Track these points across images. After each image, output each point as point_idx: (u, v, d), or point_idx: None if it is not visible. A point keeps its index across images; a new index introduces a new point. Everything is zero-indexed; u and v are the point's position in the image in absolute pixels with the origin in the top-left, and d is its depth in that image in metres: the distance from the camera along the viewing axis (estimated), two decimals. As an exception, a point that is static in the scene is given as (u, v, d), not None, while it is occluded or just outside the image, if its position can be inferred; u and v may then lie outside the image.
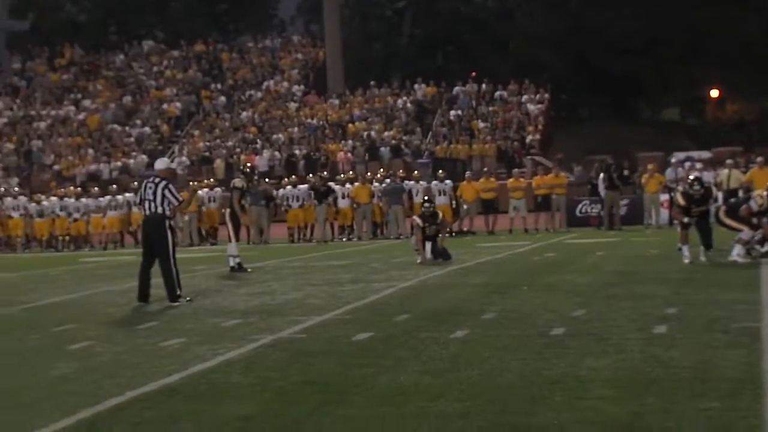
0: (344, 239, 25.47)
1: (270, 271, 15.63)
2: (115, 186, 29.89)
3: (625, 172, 27.54)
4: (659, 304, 9.34)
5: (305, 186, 26.50)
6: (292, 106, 42.90)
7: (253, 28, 58.57)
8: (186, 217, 25.74)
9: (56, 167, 40.21)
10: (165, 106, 44.70)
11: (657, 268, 13.07)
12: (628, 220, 24.89)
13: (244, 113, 42.93)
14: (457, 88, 41.48)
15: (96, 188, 30.85)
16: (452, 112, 39.47)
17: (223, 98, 45.17)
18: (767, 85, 47.08)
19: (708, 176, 22.28)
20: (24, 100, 47.85)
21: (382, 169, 29.55)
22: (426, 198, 17.38)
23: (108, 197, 27.84)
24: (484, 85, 41.28)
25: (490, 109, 39.36)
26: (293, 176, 30.19)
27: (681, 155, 31.73)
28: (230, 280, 14.32)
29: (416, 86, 42.25)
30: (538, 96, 40.04)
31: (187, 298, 11.27)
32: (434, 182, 25.47)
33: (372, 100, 42.03)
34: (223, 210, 19.73)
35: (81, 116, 44.84)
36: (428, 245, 15.71)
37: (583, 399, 5.54)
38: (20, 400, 6.28)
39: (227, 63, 49.19)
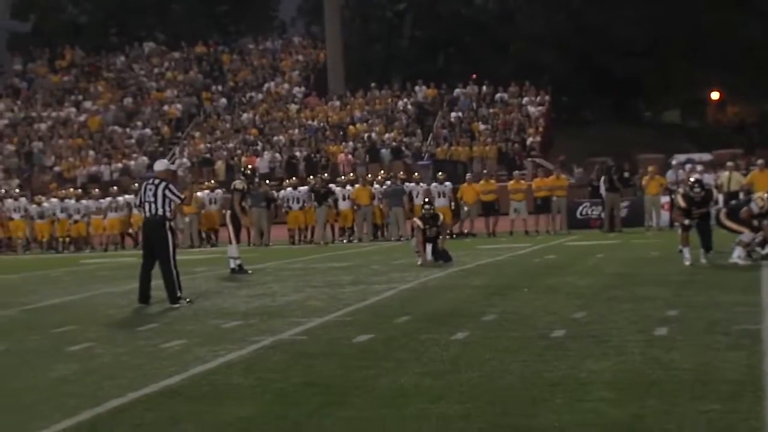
0: (345, 241, 25.45)
1: (270, 273, 15.62)
2: (115, 187, 29.81)
3: (626, 174, 27.53)
4: (660, 306, 9.34)
5: (305, 187, 26.47)
6: (293, 107, 42.90)
7: (254, 30, 58.56)
8: (186, 219, 25.74)
9: (57, 169, 40.23)
10: (166, 107, 44.73)
11: (657, 271, 13.07)
12: (629, 222, 24.82)
13: (245, 115, 42.93)
14: (457, 90, 41.48)
15: (97, 190, 30.82)
16: (453, 114, 39.45)
17: (223, 100, 45.19)
18: (768, 87, 47.17)
19: (708, 178, 22.25)
20: (25, 102, 47.88)
21: (382, 171, 29.48)
22: (426, 200, 17.38)
23: (109, 199, 27.79)
24: (484, 87, 41.23)
25: (491, 111, 39.34)
26: (294, 178, 30.18)
27: (682, 157, 31.74)
28: (231, 282, 14.30)
29: (417, 88, 42.23)
30: (538, 98, 39.99)
31: (188, 300, 11.28)
32: (434, 184, 25.46)
33: (372, 102, 42.02)
34: (223, 212, 19.72)
35: (82, 118, 44.88)
36: (429, 247, 15.73)
37: (584, 401, 5.55)
38: (20, 402, 6.28)
39: (228, 64, 49.19)
